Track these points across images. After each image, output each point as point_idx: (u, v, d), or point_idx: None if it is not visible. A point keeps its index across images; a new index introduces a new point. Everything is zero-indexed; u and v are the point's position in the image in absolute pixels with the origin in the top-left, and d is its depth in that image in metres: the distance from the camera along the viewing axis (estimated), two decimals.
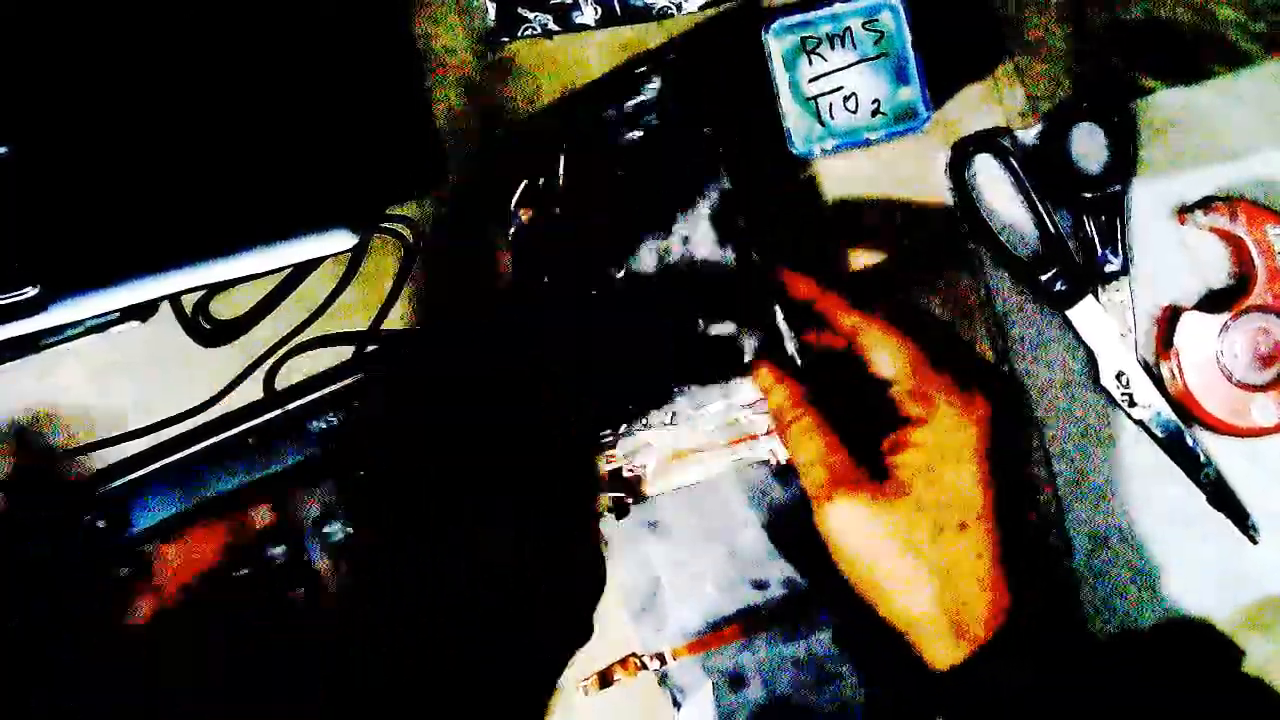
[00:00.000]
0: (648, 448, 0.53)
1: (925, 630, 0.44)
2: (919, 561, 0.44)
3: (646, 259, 0.53)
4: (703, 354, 0.52)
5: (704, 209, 0.53)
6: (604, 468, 0.54)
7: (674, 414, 0.53)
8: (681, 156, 0.52)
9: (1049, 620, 0.51)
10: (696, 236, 0.53)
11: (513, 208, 0.53)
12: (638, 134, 0.52)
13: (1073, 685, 0.44)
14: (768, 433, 0.52)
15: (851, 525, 0.45)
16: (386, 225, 0.54)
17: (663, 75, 0.52)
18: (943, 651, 0.44)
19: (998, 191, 0.53)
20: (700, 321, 0.53)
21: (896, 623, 0.45)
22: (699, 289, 0.52)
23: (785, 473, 0.53)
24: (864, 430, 0.46)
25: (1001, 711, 0.43)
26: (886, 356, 0.46)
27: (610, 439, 0.53)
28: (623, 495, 0.53)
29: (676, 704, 0.53)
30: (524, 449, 0.53)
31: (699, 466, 0.53)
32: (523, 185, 0.53)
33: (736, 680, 0.53)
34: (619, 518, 0.53)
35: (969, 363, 0.49)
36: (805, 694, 0.53)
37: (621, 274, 0.53)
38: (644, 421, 0.53)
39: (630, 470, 0.54)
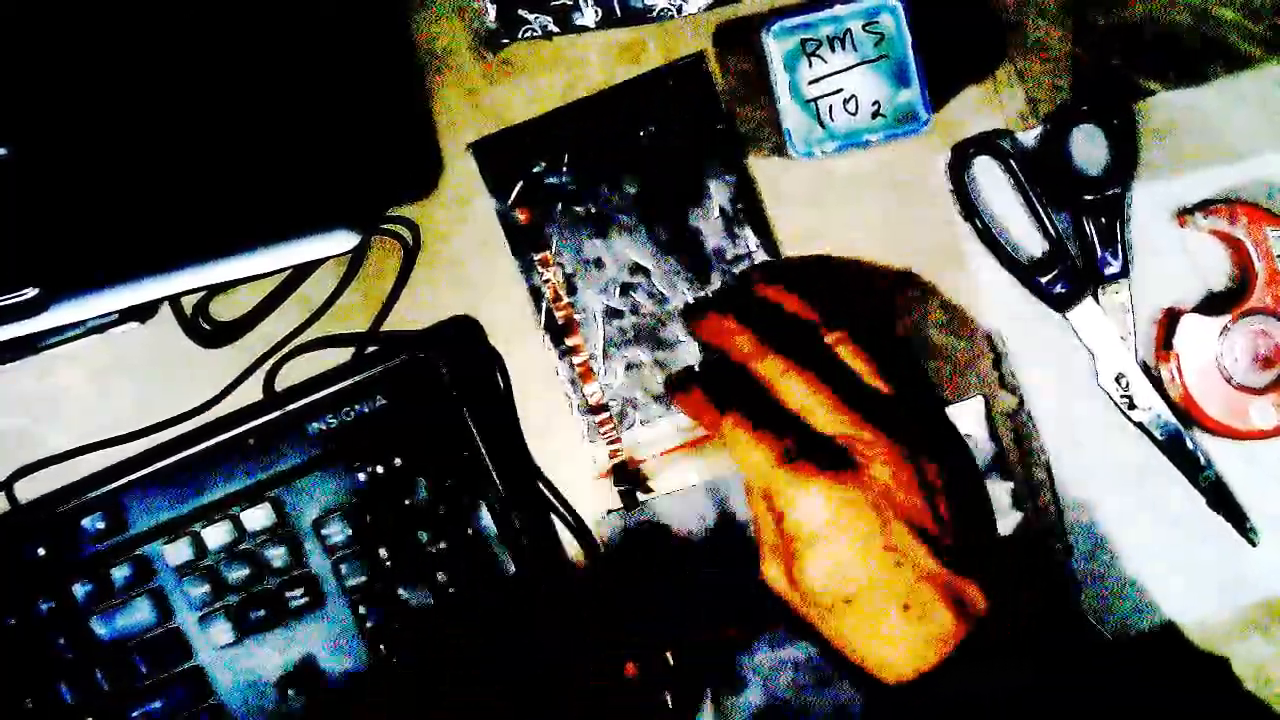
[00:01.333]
0: (652, 440, 0.54)
1: (870, 670, 0.46)
2: (827, 629, 0.46)
3: (658, 254, 0.53)
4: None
5: (715, 202, 0.53)
6: (609, 461, 0.54)
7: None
8: (691, 152, 0.53)
9: (1049, 620, 0.50)
10: (707, 229, 0.53)
11: (510, 206, 0.53)
12: (646, 131, 0.53)
13: (1073, 685, 0.44)
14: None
15: (776, 585, 0.47)
16: (387, 226, 0.54)
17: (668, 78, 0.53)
18: (895, 676, 0.45)
19: (998, 193, 0.53)
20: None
21: (858, 656, 0.46)
22: (711, 281, 0.53)
23: None
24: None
25: (1000, 712, 0.43)
26: (739, 458, 0.46)
27: (614, 433, 0.53)
28: (629, 488, 0.53)
29: (676, 705, 0.53)
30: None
31: (704, 459, 0.53)
32: (519, 186, 0.53)
33: (735, 682, 0.53)
34: (628, 509, 0.53)
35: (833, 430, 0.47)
36: (803, 696, 0.53)
37: (631, 274, 0.53)
38: (653, 414, 0.53)
39: (635, 462, 0.54)
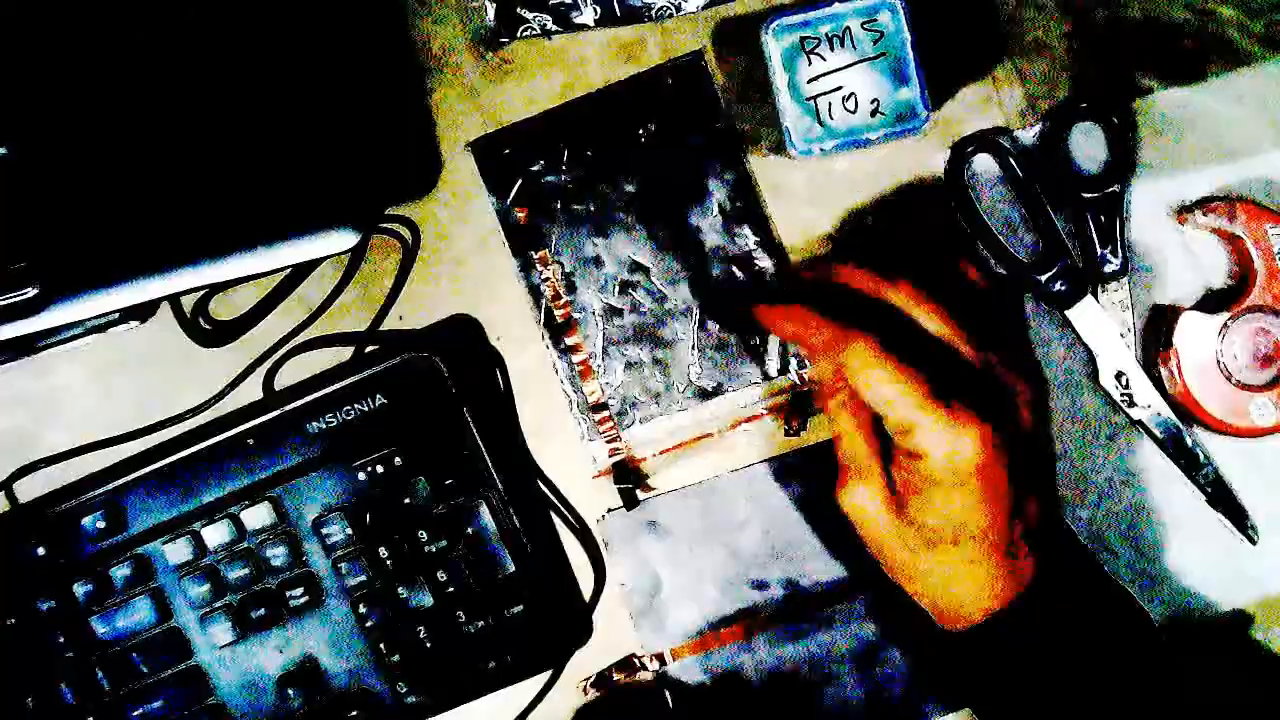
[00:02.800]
0: (652, 439, 0.54)
1: (932, 608, 0.46)
2: (913, 562, 0.45)
3: (658, 252, 0.53)
4: (714, 346, 0.53)
5: (714, 201, 0.53)
6: (609, 460, 0.54)
7: (683, 405, 0.53)
8: (691, 151, 0.53)
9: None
10: (706, 227, 0.53)
11: (509, 205, 0.53)
12: (645, 130, 0.53)
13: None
14: (770, 412, 0.52)
15: (861, 512, 0.46)
16: (386, 225, 0.54)
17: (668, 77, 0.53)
18: (942, 624, 0.46)
19: (997, 192, 0.53)
20: (709, 313, 0.53)
21: (931, 594, 0.46)
22: (710, 281, 0.53)
23: (785, 472, 0.53)
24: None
25: (1014, 668, 0.44)
26: (872, 388, 0.43)
27: (614, 431, 0.53)
28: (629, 486, 0.53)
29: (676, 705, 0.53)
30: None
31: (704, 456, 0.53)
32: (518, 184, 0.53)
33: (736, 680, 0.53)
34: (628, 508, 0.53)
35: (980, 368, 0.45)
36: (805, 694, 0.53)
37: (631, 272, 0.53)
38: (651, 412, 0.53)
39: (635, 461, 0.54)
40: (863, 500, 0.45)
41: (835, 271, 0.48)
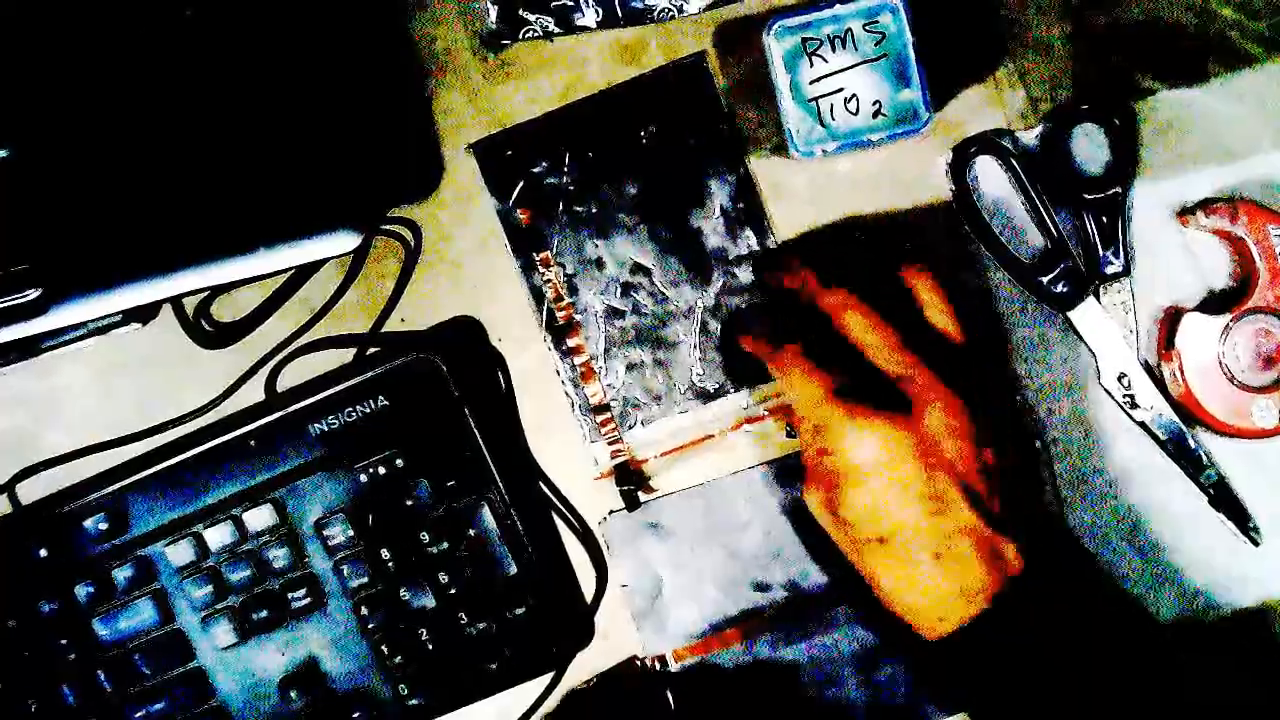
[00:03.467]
0: (653, 441, 0.54)
1: (898, 614, 0.46)
2: (860, 563, 0.46)
3: (659, 253, 0.53)
4: (715, 347, 0.53)
5: (716, 202, 0.53)
6: (611, 461, 0.54)
7: (684, 406, 0.53)
8: (692, 152, 0.53)
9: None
10: (708, 228, 0.53)
11: (511, 206, 0.53)
12: (647, 131, 0.53)
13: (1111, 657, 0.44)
14: (771, 414, 0.53)
15: (814, 513, 0.47)
16: (388, 227, 0.54)
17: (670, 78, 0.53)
18: (922, 631, 0.45)
19: (999, 193, 0.53)
20: (710, 314, 0.53)
21: (888, 598, 0.46)
22: (712, 281, 0.53)
23: (786, 474, 0.53)
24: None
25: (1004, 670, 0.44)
26: (790, 392, 0.47)
27: (616, 433, 0.53)
28: (631, 488, 0.53)
29: (677, 705, 0.53)
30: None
31: (706, 458, 0.53)
32: (519, 186, 0.53)
33: (737, 681, 0.53)
34: (630, 510, 0.53)
35: (900, 371, 0.47)
36: (806, 696, 0.53)
37: (633, 272, 0.53)
38: (653, 414, 0.53)
39: (637, 463, 0.54)
40: (814, 502, 0.47)
41: (790, 272, 0.50)
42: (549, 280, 0.54)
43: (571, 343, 0.54)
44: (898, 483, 0.44)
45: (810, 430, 0.47)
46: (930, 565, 0.44)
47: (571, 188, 0.53)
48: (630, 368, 0.53)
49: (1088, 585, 0.47)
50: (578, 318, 0.53)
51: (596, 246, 0.53)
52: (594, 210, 0.53)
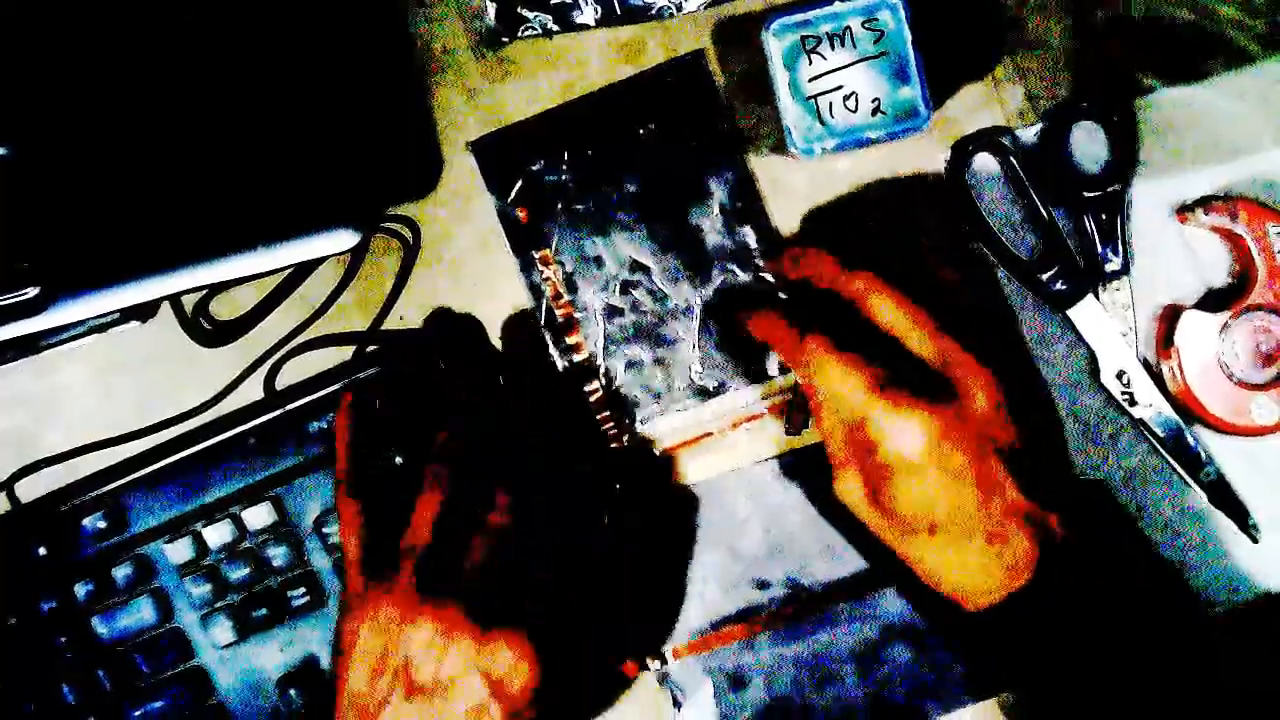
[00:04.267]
0: (656, 439, 0.54)
1: (943, 592, 0.45)
2: (904, 550, 0.45)
3: (659, 251, 0.53)
4: (715, 345, 0.53)
5: (715, 200, 0.53)
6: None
7: (684, 404, 0.53)
8: (692, 150, 0.53)
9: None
10: (707, 226, 0.53)
11: (510, 204, 0.53)
12: (646, 129, 0.53)
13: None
14: (771, 412, 0.53)
15: (850, 504, 0.46)
16: (387, 225, 0.54)
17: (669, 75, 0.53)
18: (968, 605, 0.45)
19: (998, 191, 0.53)
20: (709, 312, 0.53)
21: (934, 581, 0.46)
22: (711, 282, 0.53)
23: (786, 471, 0.53)
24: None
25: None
26: (826, 385, 0.45)
27: (617, 430, 0.53)
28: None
29: (677, 704, 0.53)
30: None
31: (706, 456, 0.53)
32: (518, 184, 0.53)
33: (737, 680, 0.53)
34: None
35: (935, 356, 0.46)
36: (806, 694, 0.53)
37: (633, 271, 0.53)
38: (652, 412, 0.53)
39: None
40: (851, 490, 0.46)
41: (807, 259, 0.49)
42: (548, 278, 0.54)
43: (571, 340, 0.54)
44: (951, 472, 0.43)
45: (842, 425, 0.45)
46: (981, 548, 0.43)
47: (571, 186, 0.53)
48: (629, 366, 0.53)
49: (1124, 558, 0.47)
50: (577, 315, 0.53)
51: (595, 244, 0.53)
52: (593, 208, 0.53)
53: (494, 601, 0.43)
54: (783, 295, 0.53)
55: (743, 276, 0.53)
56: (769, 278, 0.53)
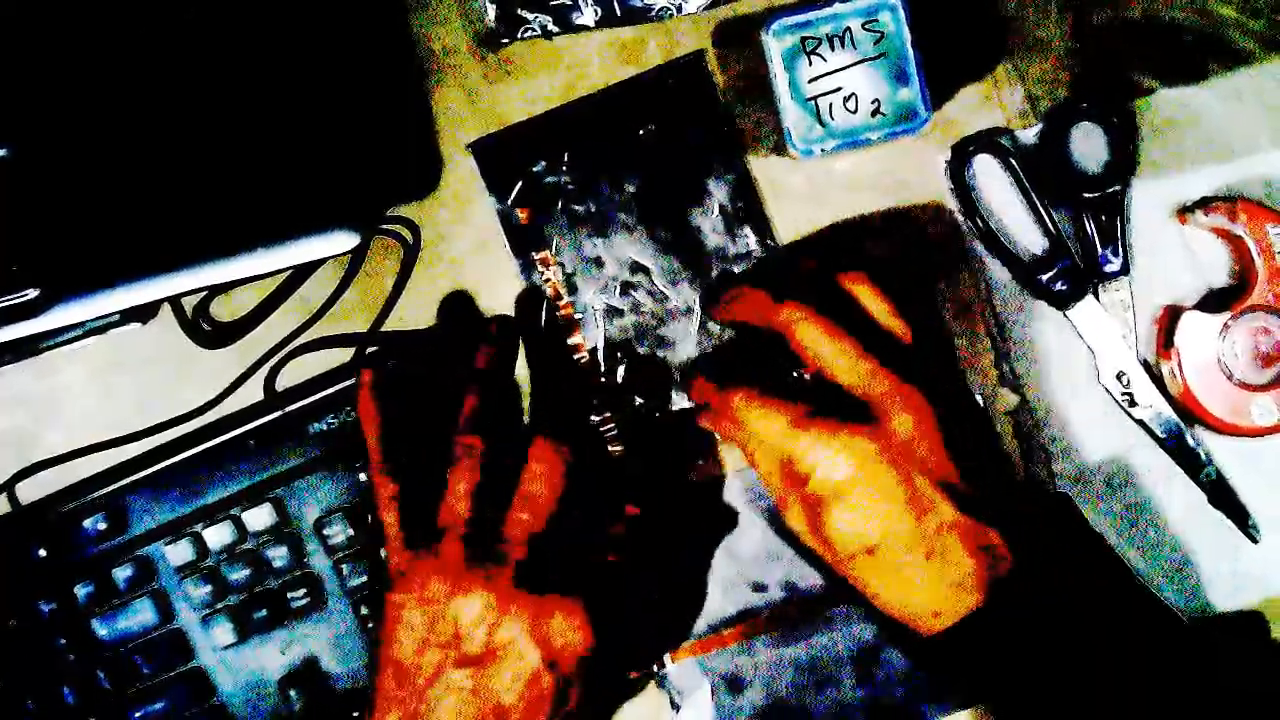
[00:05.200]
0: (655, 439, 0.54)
1: (893, 616, 0.46)
2: (853, 577, 0.46)
3: (659, 252, 0.53)
4: (714, 346, 0.53)
5: (715, 201, 0.53)
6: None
7: (685, 404, 0.53)
8: (691, 151, 0.53)
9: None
10: (707, 227, 0.53)
11: (510, 205, 0.53)
12: (646, 130, 0.53)
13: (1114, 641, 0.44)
14: None
15: (799, 537, 0.46)
16: (387, 226, 0.54)
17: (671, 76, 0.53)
18: (920, 628, 0.45)
19: (997, 192, 0.53)
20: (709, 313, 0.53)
21: (884, 604, 0.46)
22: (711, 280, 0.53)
23: None
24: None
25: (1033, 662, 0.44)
26: (756, 433, 0.46)
27: (615, 432, 0.53)
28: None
29: (675, 706, 0.53)
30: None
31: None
32: (518, 185, 0.53)
33: (735, 683, 0.53)
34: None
35: (860, 382, 0.46)
36: (804, 696, 0.53)
37: (634, 273, 0.53)
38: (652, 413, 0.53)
39: None
40: (796, 523, 0.46)
41: (739, 300, 0.50)
42: (548, 279, 0.54)
43: (571, 341, 0.54)
44: (878, 491, 0.44)
45: (776, 469, 0.46)
46: (921, 566, 0.44)
47: (571, 187, 0.53)
48: (629, 366, 0.53)
49: (1087, 566, 0.47)
50: (577, 316, 0.53)
51: (595, 245, 0.53)
52: (593, 209, 0.53)
53: (542, 569, 0.44)
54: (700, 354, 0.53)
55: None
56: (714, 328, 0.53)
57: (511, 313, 0.54)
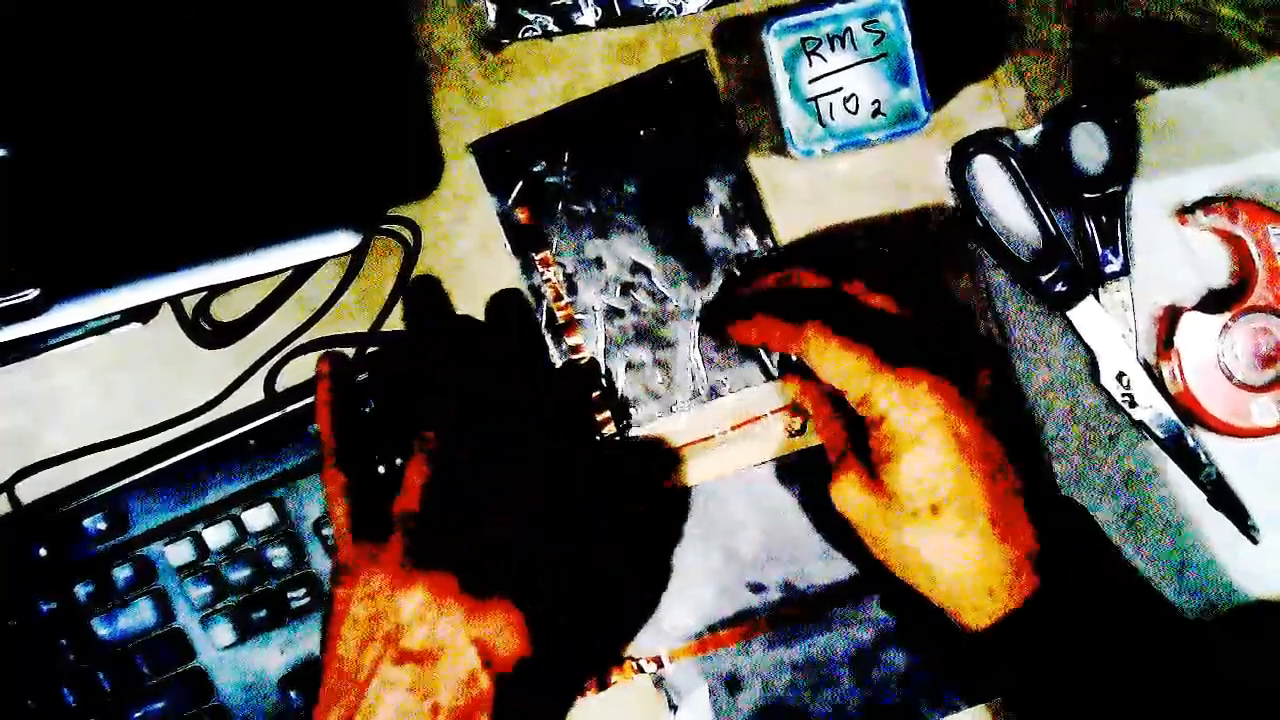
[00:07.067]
0: (655, 441, 0.54)
1: (939, 601, 0.45)
2: (907, 543, 0.44)
3: (659, 253, 0.53)
4: (715, 347, 0.53)
5: (715, 201, 0.53)
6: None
7: (683, 406, 0.53)
8: (692, 152, 0.53)
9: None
10: (707, 228, 0.53)
11: (510, 205, 0.53)
12: (647, 130, 0.53)
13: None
14: (773, 412, 0.53)
15: (848, 503, 0.46)
16: (387, 226, 0.54)
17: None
18: (966, 617, 0.44)
19: (998, 192, 0.53)
20: (706, 332, 0.53)
21: (931, 577, 0.45)
22: (712, 280, 0.53)
23: (784, 475, 0.53)
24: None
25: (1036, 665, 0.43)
26: (828, 367, 0.45)
27: (616, 432, 0.53)
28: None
29: (673, 707, 0.53)
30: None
31: (705, 458, 0.53)
32: (519, 185, 0.53)
33: (733, 683, 0.53)
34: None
35: (937, 336, 0.46)
36: (802, 697, 0.53)
37: (634, 273, 0.53)
38: (652, 414, 0.53)
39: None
40: (847, 488, 0.45)
41: (791, 276, 0.50)
42: (548, 279, 0.54)
43: (571, 342, 0.54)
44: (959, 441, 0.43)
45: (842, 414, 0.46)
46: (983, 532, 0.43)
47: (571, 187, 0.53)
48: (630, 367, 0.53)
49: (1115, 572, 0.47)
50: (578, 317, 0.53)
51: (596, 246, 0.53)
52: (593, 209, 0.53)
53: (485, 571, 0.44)
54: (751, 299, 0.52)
55: (743, 278, 0.53)
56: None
57: (502, 314, 0.54)
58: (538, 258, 0.53)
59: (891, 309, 0.47)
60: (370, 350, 0.54)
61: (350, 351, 0.53)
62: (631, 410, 0.53)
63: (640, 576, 0.53)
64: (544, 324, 0.54)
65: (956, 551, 0.43)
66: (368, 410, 0.51)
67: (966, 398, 0.44)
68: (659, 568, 0.53)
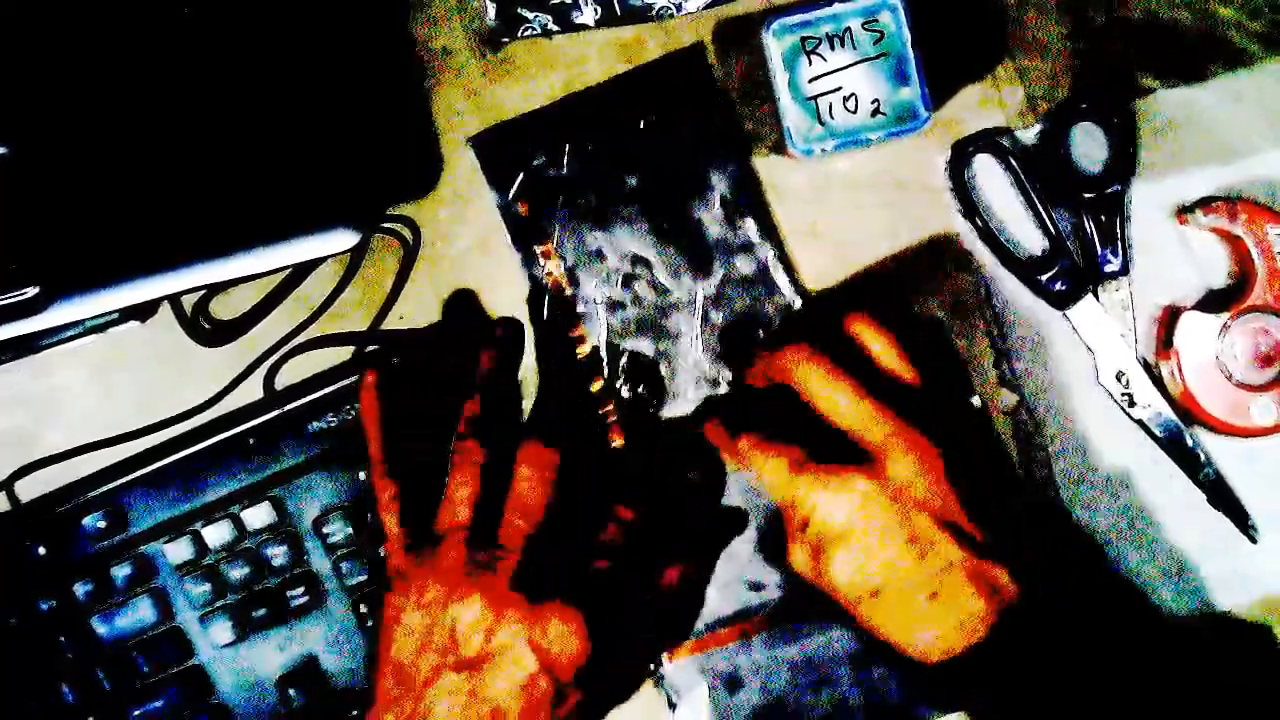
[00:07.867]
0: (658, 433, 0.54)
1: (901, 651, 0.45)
2: (857, 615, 0.45)
3: (660, 245, 0.53)
4: (717, 339, 0.53)
5: (716, 193, 0.53)
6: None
7: (688, 397, 0.53)
8: (692, 143, 0.53)
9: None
10: (708, 219, 0.53)
11: (510, 199, 0.53)
12: (646, 122, 0.53)
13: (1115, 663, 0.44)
14: None
15: (806, 575, 0.46)
16: (387, 224, 0.54)
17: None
18: (933, 658, 0.44)
19: (997, 191, 0.53)
20: (711, 304, 0.53)
21: (892, 642, 0.45)
22: (713, 272, 0.53)
23: None
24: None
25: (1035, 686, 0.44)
26: (760, 475, 0.47)
27: (619, 424, 0.53)
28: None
29: (672, 705, 0.53)
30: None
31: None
32: (519, 179, 0.53)
33: (732, 682, 0.53)
34: None
35: (861, 429, 0.46)
36: (801, 696, 0.53)
37: (633, 269, 0.53)
38: (654, 406, 0.53)
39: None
40: (802, 561, 0.46)
41: (760, 361, 0.51)
42: (550, 272, 0.54)
43: (573, 334, 0.54)
44: (878, 533, 0.44)
45: (783, 504, 0.46)
46: (927, 606, 0.44)
47: (571, 180, 0.53)
48: (632, 359, 0.53)
49: (1090, 586, 0.47)
50: (579, 309, 0.53)
51: (596, 238, 0.53)
52: (594, 202, 0.53)
53: (539, 576, 0.45)
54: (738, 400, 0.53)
55: (744, 270, 0.53)
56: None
57: (515, 313, 0.54)
58: (539, 250, 0.53)
59: (830, 376, 0.46)
60: (372, 349, 0.54)
61: (393, 358, 0.53)
62: (634, 402, 0.53)
63: (694, 563, 0.53)
64: (545, 317, 0.54)
65: (904, 624, 0.44)
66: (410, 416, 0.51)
67: (884, 486, 0.44)
68: (706, 553, 0.53)
